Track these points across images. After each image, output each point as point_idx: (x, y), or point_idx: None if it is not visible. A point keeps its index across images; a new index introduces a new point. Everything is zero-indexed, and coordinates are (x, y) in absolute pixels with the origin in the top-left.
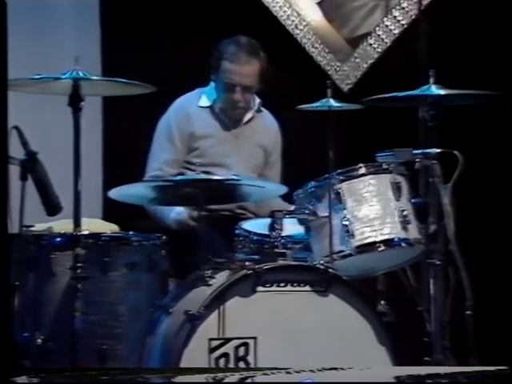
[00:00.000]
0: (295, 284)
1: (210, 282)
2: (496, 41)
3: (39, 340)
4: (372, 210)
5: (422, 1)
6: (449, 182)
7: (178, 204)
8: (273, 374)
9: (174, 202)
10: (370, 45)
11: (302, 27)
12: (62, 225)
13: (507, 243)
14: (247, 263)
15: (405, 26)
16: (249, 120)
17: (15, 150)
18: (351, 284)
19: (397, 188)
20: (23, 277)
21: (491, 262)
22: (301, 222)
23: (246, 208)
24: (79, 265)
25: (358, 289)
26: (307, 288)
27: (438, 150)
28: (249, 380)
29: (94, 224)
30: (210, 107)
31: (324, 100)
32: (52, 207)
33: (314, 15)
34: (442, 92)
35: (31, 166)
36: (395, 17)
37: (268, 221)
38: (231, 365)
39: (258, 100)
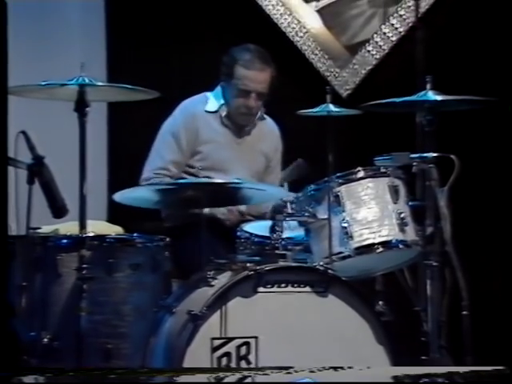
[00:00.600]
0: (295, 285)
1: (213, 283)
2: (492, 48)
3: (46, 339)
4: (370, 212)
5: (419, 9)
6: (445, 185)
7: (180, 206)
8: (273, 373)
9: (177, 204)
10: (369, 51)
11: (302, 34)
12: (67, 227)
13: (503, 244)
14: (249, 264)
15: (402, 34)
16: (252, 127)
17: (22, 155)
18: (350, 284)
19: (394, 191)
20: (30, 277)
21: (487, 262)
22: (301, 224)
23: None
24: (85, 266)
25: (356, 289)
26: (307, 288)
27: (435, 154)
28: (250, 380)
29: (98, 226)
30: (216, 112)
31: (323, 105)
32: (58, 210)
33: (313, 23)
34: (439, 98)
35: (38, 169)
36: (393, 24)
37: (269, 223)
38: (233, 363)
39: (262, 108)
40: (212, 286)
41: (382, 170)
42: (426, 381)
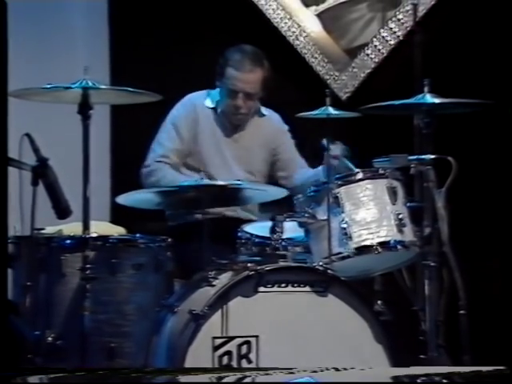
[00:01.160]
0: (295, 284)
1: (214, 283)
2: (489, 51)
3: (50, 338)
4: (369, 213)
5: (417, 13)
6: (443, 186)
7: (182, 207)
8: (275, 373)
9: (179, 205)
10: (367, 55)
11: (302, 38)
12: (71, 228)
13: (500, 245)
14: (249, 264)
15: (400, 38)
16: (250, 126)
17: (27, 157)
18: (349, 284)
19: (393, 192)
20: (34, 277)
21: (484, 263)
22: (301, 224)
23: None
24: (88, 266)
25: (355, 289)
26: (307, 288)
27: (433, 156)
28: (250, 379)
29: (102, 227)
30: (214, 109)
31: (323, 108)
32: (62, 211)
33: (313, 27)
34: (437, 100)
35: (42, 171)
36: (391, 28)
37: (269, 224)
38: (234, 362)
39: (259, 105)
40: (213, 285)
41: (381, 171)
42: (426, 381)
